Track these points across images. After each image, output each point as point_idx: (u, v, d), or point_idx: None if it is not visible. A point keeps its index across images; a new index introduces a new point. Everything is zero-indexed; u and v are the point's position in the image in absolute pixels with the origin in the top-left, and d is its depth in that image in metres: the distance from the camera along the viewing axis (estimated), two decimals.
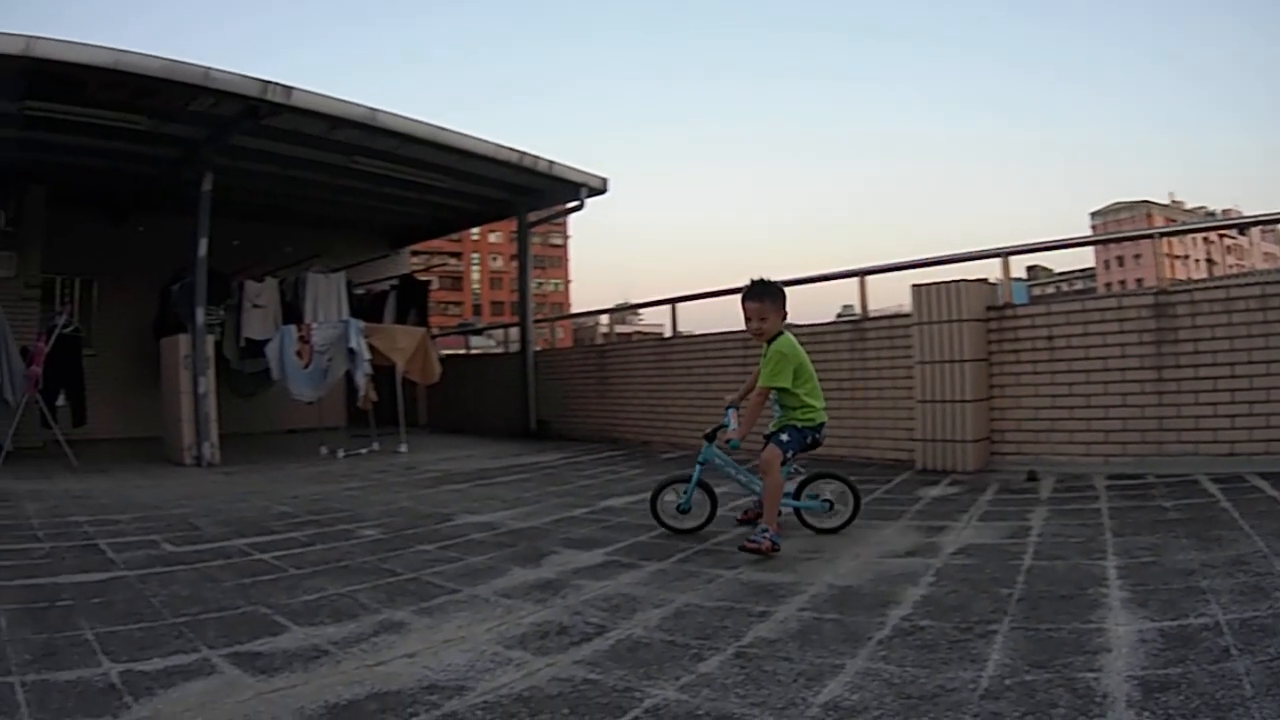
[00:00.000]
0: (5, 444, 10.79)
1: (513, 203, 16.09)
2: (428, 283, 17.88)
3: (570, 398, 14.76)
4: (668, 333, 12.93)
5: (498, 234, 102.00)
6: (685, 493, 5.54)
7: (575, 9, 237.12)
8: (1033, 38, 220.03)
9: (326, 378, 12.05)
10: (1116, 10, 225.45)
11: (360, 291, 16.61)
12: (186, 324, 11.90)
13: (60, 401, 12.36)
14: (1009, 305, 8.30)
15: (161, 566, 4.97)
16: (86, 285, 15.99)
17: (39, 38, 8.77)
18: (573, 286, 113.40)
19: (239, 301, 14.24)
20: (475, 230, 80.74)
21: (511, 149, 13.43)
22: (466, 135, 12.77)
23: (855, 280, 9.81)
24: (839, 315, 12.41)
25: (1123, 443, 7.41)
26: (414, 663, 3.19)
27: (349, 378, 12.08)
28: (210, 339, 11.52)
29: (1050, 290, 75.78)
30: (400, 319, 16.09)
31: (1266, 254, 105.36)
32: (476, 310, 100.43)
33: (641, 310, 20.14)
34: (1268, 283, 7.07)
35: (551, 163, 14.04)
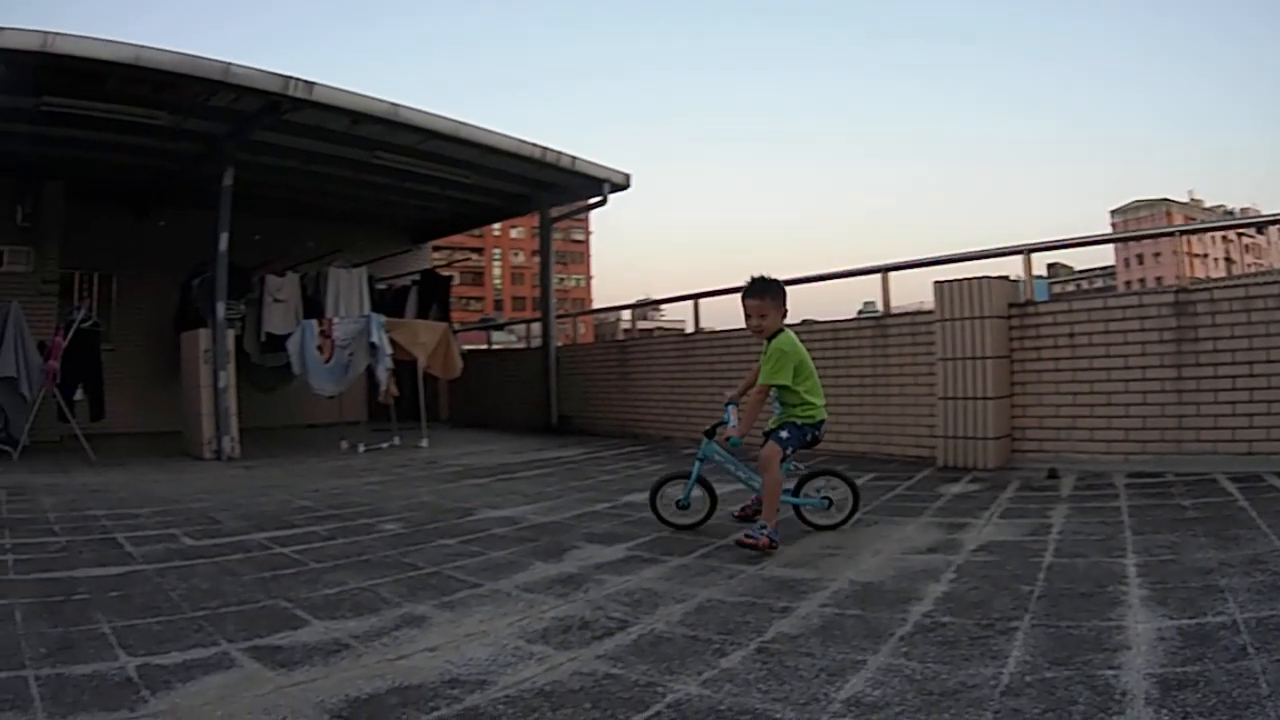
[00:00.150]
0: (22, 438, 10.90)
1: (535, 198, 16.09)
2: (449, 278, 17.90)
3: (592, 393, 14.77)
4: (690, 328, 12.93)
5: (519, 229, 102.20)
6: (685, 489, 5.57)
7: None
8: (1049, 33, 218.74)
9: (348, 372, 12.10)
10: (1126, 6, 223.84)
11: (382, 286, 16.66)
12: (207, 318, 11.96)
13: (78, 396, 12.44)
14: (1031, 302, 8.29)
15: (180, 560, 4.99)
16: (105, 280, 16.06)
17: (57, 34, 8.83)
18: (594, 282, 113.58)
19: (260, 296, 14.33)
20: (496, 226, 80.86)
21: (534, 144, 13.41)
22: (489, 130, 12.76)
23: (877, 277, 9.77)
24: (860, 312, 12.40)
25: (1143, 441, 7.39)
26: (435, 657, 3.19)
27: (370, 372, 12.15)
28: (230, 333, 11.58)
29: (1071, 288, 75.53)
30: (422, 314, 16.11)
31: None
32: (498, 305, 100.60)
33: (663, 306, 20.11)
34: None
35: (574, 158, 14.00)
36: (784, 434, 5.15)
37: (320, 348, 12.00)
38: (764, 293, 5.33)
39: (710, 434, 5.51)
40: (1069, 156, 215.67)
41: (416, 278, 17.33)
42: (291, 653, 3.25)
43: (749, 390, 5.56)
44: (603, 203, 14.99)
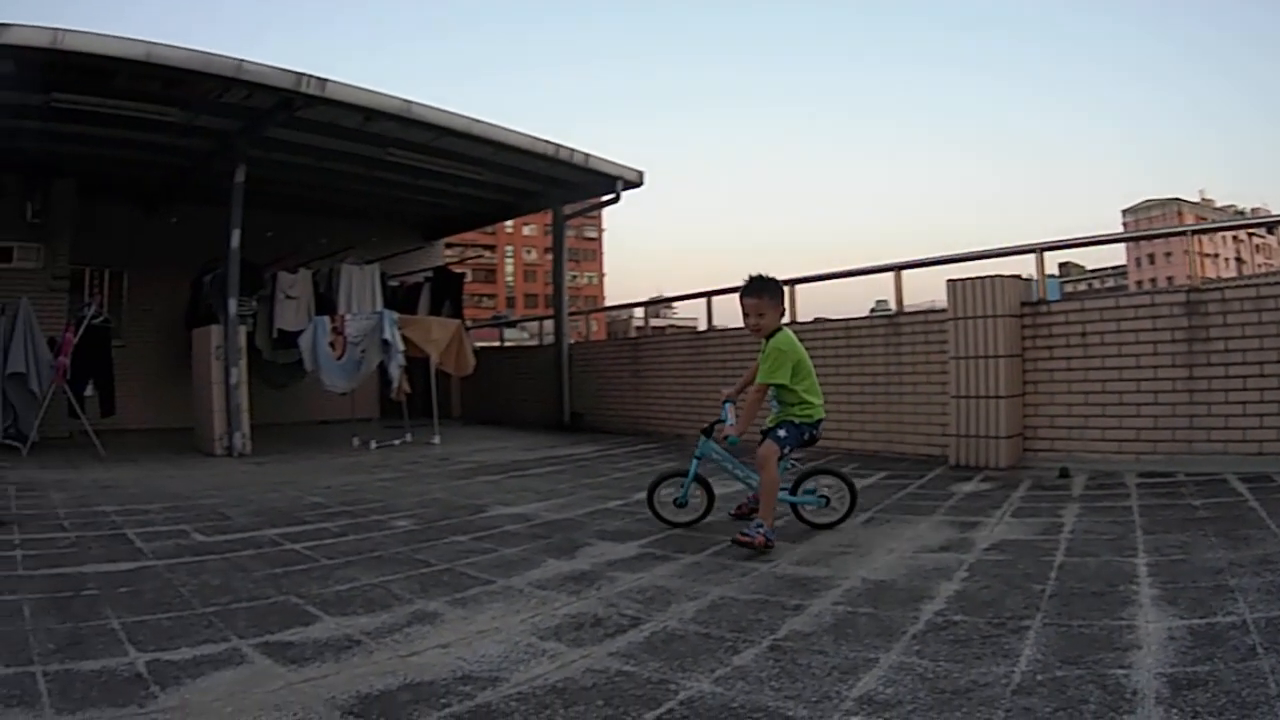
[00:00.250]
0: (31, 434, 10.96)
1: (548, 195, 16.10)
2: (462, 275, 17.90)
3: (604, 390, 14.80)
4: (703, 326, 12.93)
5: (531, 227, 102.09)
6: (682, 487, 5.59)
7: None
8: (1061, 31, 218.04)
9: (360, 369, 12.13)
10: (1138, 4, 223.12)
11: (394, 283, 16.65)
12: (219, 315, 12.01)
13: (89, 392, 12.43)
14: (1043, 301, 8.28)
15: (191, 556, 5.01)
16: (116, 276, 16.14)
17: (66, 30, 8.84)
18: (606, 280, 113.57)
19: (272, 292, 14.34)
20: (509, 223, 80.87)
21: (547, 141, 13.41)
22: (502, 127, 12.76)
23: (889, 276, 9.77)
24: (872, 310, 12.40)
25: (1154, 440, 7.39)
26: (447, 653, 3.20)
27: (383, 369, 12.16)
28: (242, 330, 11.61)
29: (1082, 287, 75.26)
30: (434, 311, 16.12)
31: None
32: (510, 303, 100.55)
33: (676, 304, 20.12)
34: None
35: (587, 155, 14.01)
36: (782, 433, 5.16)
37: (332, 344, 12.03)
38: (761, 291, 5.33)
39: (708, 432, 5.55)
40: (1080, 156, 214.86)
41: (429, 275, 17.33)
42: (303, 649, 3.26)
43: (746, 388, 5.58)
44: (616, 200, 15.01)
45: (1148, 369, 7.45)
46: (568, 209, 16.52)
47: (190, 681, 2.90)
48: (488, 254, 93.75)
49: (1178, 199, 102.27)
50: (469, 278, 19.81)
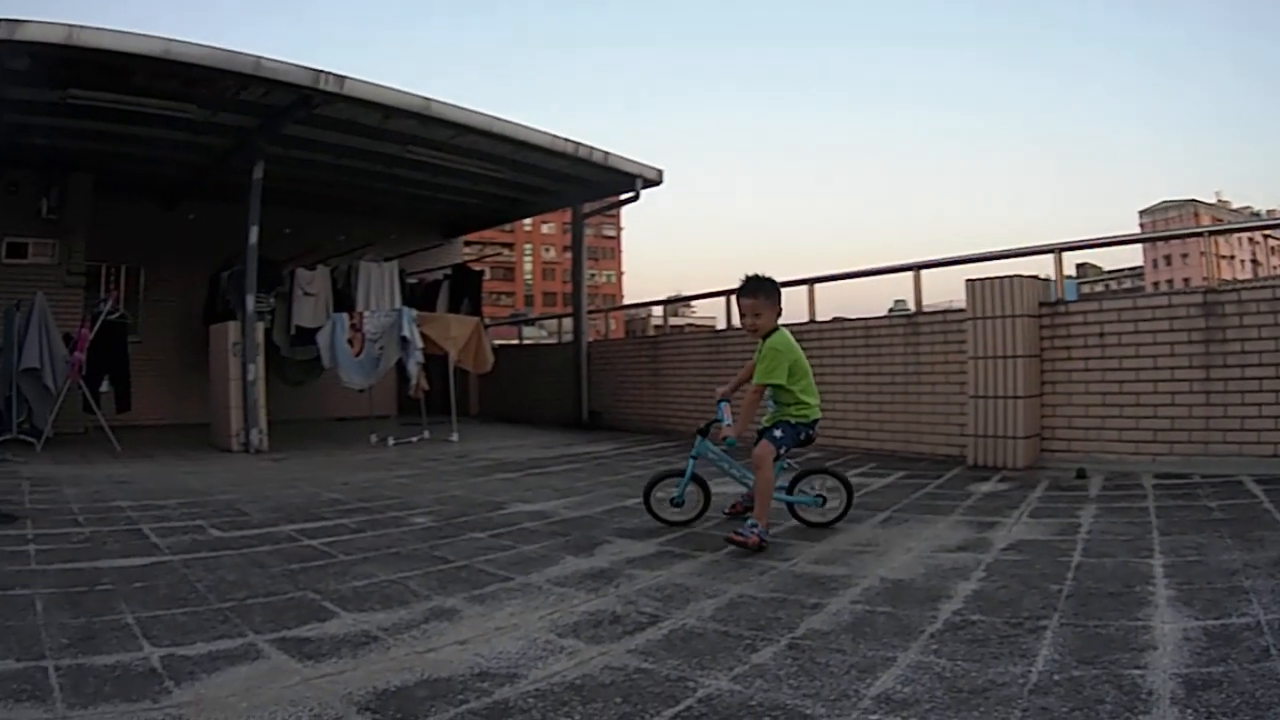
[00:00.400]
0: (45, 429, 11.01)
1: (567, 194, 16.11)
2: (481, 273, 17.94)
3: (623, 389, 14.83)
4: (721, 325, 12.94)
5: (550, 225, 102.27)
6: (679, 486, 5.62)
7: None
8: (1079, 31, 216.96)
9: (378, 366, 12.18)
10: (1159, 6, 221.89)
11: (413, 280, 16.73)
12: (236, 311, 12.09)
13: (104, 387, 12.50)
14: (1061, 301, 8.29)
15: (207, 551, 5.01)
16: (133, 273, 16.23)
17: (82, 27, 8.87)
18: (625, 278, 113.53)
19: (290, 289, 14.39)
20: (528, 221, 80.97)
21: (567, 140, 13.40)
22: (522, 125, 12.76)
23: (907, 275, 9.78)
24: (891, 310, 12.41)
25: (1170, 442, 7.39)
26: (465, 650, 3.21)
27: (401, 366, 12.22)
28: (260, 326, 11.66)
29: (1099, 288, 74.98)
30: (453, 308, 16.18)
31: None
32: (528, 301, 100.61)
33: (694, 302, 20.13)
34: None
35: (606, 154, 13.98)
36: (778, 433, 5.18)
37: (351, 341, 12.07)
38: (758, 291, 5.35)
39: (704, 432, 5.58)
40: (1096, 158, 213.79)
41: (448, 272, 17.38)
42: (319, 644, 3.27)
43: (741, 386, 5.61)
44: (635, 198, 15.00)
45: (1165, 370, 7.45)
46: (587, 207, 16.54)
47: (205, 676, 2.91)
48: (506, 252, 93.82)
49: (1194, 200, 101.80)
50: (487, 275, 19.83)
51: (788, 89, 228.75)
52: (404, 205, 17.58)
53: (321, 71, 10.39)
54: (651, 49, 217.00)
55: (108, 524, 5.85)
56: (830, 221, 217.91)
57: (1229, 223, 61.01)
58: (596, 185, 15.46)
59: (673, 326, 17.94)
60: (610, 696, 2.71)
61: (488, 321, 17.26)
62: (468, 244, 21.82)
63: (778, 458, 5.17)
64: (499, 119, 12.41)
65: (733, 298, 12.36)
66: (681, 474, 5.64)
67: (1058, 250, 8.56)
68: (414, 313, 12.43)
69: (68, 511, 6.35)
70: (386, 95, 11.12)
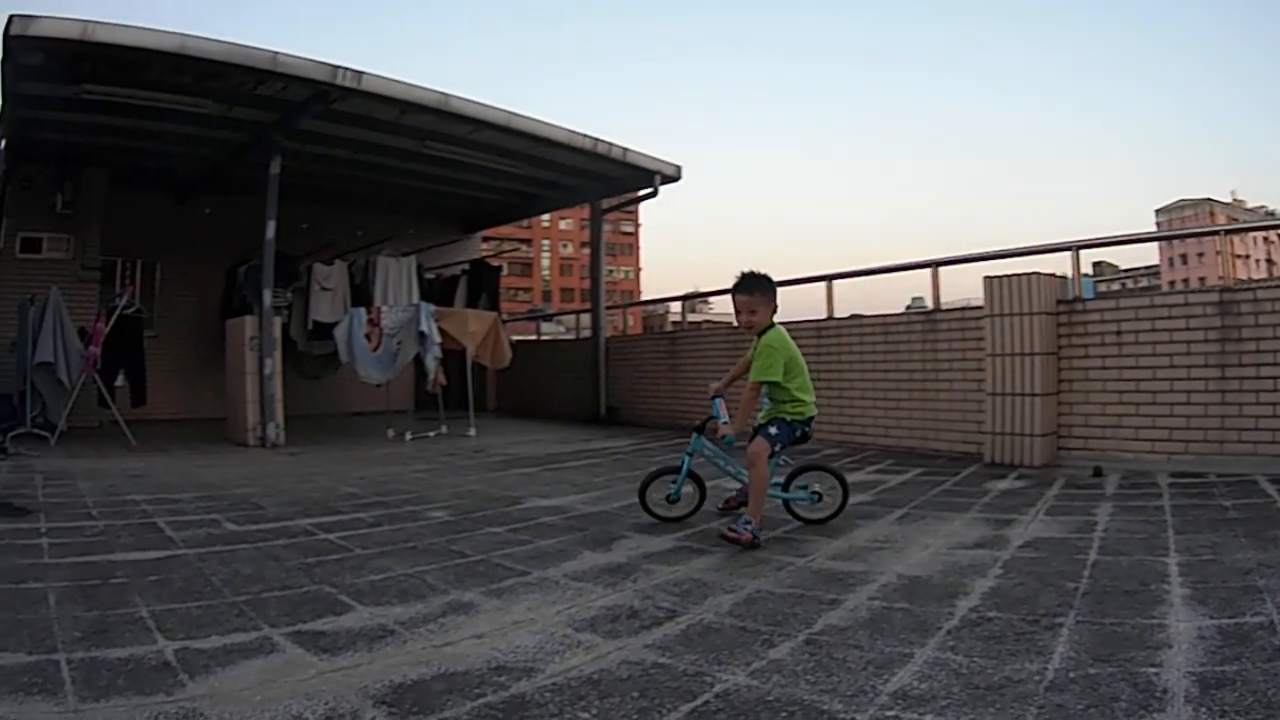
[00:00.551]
0: (60, 423, 11.07)
1: (585, 190, 16.09)
2: (499, 268, 17.95)
3: (640, 384, 14.85)
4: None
5: (568, 221, 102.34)
6: (674, 483, 5.61)
7: None
8: (1095, 29, 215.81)
9: (396, 361, 12.24)
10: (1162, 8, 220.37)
11: (431, 276, 16.76)
12: (254, 306, 12.14)
13: (119, 382, 12.51)
14: (1079, 299, 8.27)
15: (223, 545, 5.00)
16: (149, 267, 16.22)
17: (96, 22, 8.86)
18: (643, 275, 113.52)
19: (307, 284, 14.40)
20: (546, 217, 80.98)
21: (586, 135, 13.35)
22: (541, 121, 12.74)
23: (921, 272, 9.78)
24: (908, 307, 12.39)
25: (1186, 440, 7.38)
26: (482, 644, 3.20)
27: (418, 361, 12.26)
28: (277, 320, 11.68)
29: (1116, 286, 74.74)
30: (471, 304, 16.19)
31: None
32: (546, 296, 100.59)
33: (712, 299, 20.13)
34: None
35: (625, 150, 13.93)
36: (773, 430, 5.19)
37: (368, 336, 12.12)
38: (754, 288, 5.39)
39: (700, 429, 5.61)
40: (1114, 155, 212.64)
41: (466, 267, 17.38)
42: (335, 638, 3.27)
43: (736, 381, 5.67)
44: (654, 194, 14.93)
45: (1181, 369, 7.44)
46: (605, 203, 16.53)
47: (220, 670, 2.90)
48: (524, 248, 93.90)
49: (1210, 199, 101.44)
50: (505, 271, 19.85)
51: (808, 86, 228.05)
52: (422, 200, 17.56)
53: (339, 67, 10.39)
54: (673, 45, 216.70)
55: (122, 517, 5.83)
56: (847, 220, 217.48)
57: (1245, 222, 60.72)
58: (615, 181, 15.41)
59: (690, 323, 17.91)
60: (627, 691, 2.71)
61: (505, 317, 17.29)
62: (485, 240, 21.80)
63: (773, 455, 5.17)
64: (517, 114, 12.38)
65: None
66: (677, 471, 5.63)
67: (1075, 248, 8.55)
68: (432, 307, 12.45)
69: (82, 505, 6.33)
70: (404, 90, 11.11)
